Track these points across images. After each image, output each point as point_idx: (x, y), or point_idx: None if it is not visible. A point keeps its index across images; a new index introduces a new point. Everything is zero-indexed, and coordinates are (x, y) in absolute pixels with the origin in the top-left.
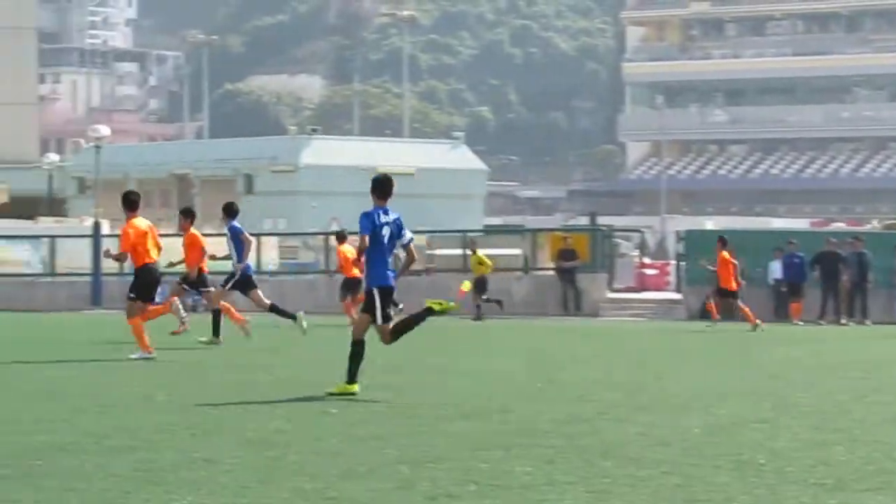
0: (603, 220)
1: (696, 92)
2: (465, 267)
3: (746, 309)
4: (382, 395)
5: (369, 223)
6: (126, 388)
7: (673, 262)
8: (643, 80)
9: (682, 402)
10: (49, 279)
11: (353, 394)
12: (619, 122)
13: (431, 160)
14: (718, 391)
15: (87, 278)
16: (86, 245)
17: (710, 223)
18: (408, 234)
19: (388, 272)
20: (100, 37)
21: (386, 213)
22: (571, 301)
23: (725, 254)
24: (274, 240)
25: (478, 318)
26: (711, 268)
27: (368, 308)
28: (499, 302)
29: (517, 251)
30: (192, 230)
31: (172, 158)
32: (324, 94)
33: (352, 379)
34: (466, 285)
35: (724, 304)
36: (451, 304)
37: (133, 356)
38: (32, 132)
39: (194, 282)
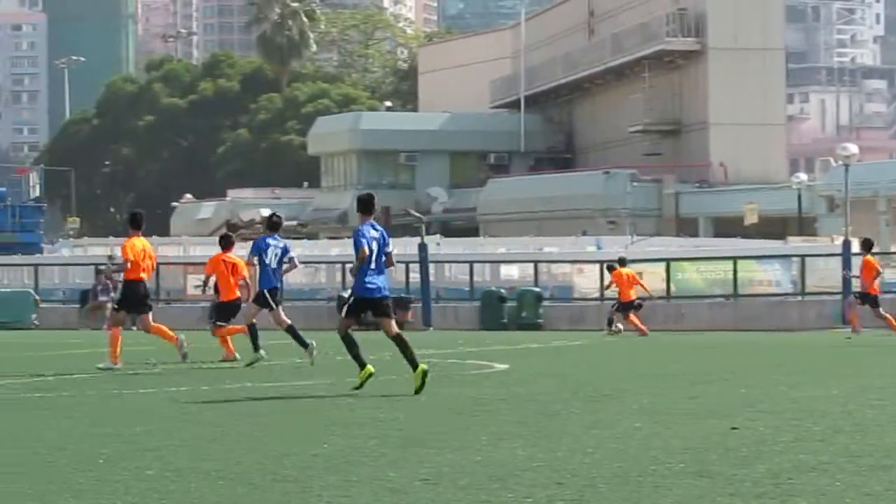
0: None
1: None
2: None
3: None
4: None
5: (364, 239)
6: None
7: None
8: None
9: None
10: (799, 298)
11: (371, 374)
12: None
13: None
14: None
15: (837, 297)
16: (836, 264)
17: None
18: (390, 247)
19: (370, 284)
20: (848, 55)
21: (373, 227)
22: None
23: (870, 258)
24: None
25: None
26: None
27: (351, 314)
28: None
29: None
30: (228, 256)
31: None
32: None
33: (361, 365)
34: None
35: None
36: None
37: (100, 365)
38: (781, 152)
39: (227, 310)
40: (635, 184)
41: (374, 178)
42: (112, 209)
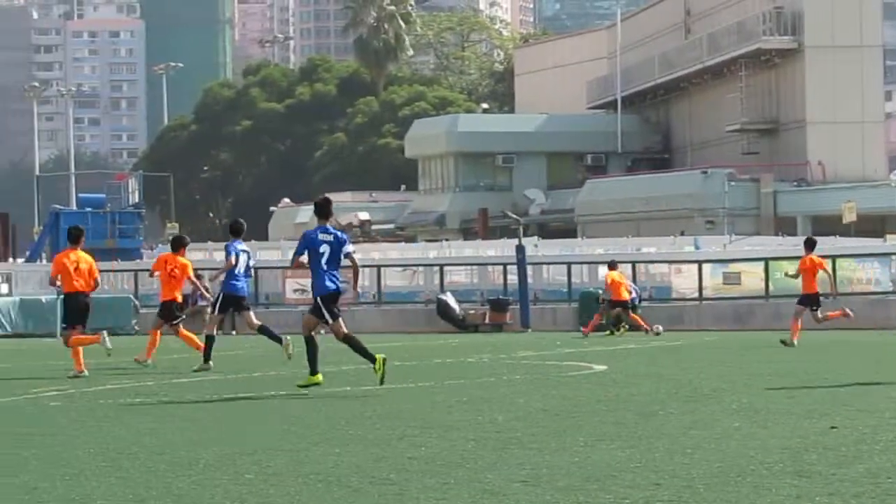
0: None
1: None
2: None
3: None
4: None
5: (304, 245)
6: None
7: None
8: None
9: None
10: None
11: (318, 384)
12: None
13: None
14: None
15: None
16: None
17: None
18: (349, 247)
19: (329, 282)
20: None
21: (325, 231)
22: None
23: (814, 258)
24: None
25: None
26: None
27: (315, 312)
28: None
29: None
30: (176, 257)
31: None
32: None
33: (313, 370)
34: None
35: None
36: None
37: (69, 375)
38: (879, 150)
39: (170, 309)
40: (733, 183)
41: (471, 181)
42: (210, 214)
